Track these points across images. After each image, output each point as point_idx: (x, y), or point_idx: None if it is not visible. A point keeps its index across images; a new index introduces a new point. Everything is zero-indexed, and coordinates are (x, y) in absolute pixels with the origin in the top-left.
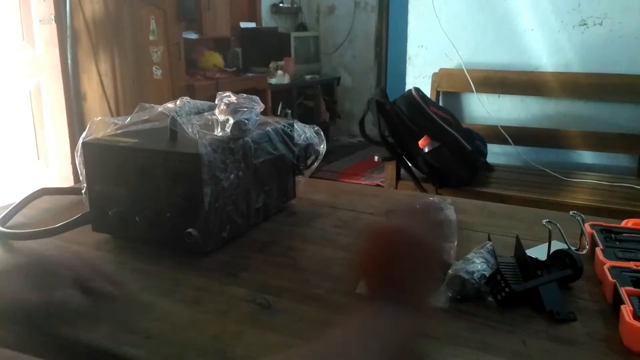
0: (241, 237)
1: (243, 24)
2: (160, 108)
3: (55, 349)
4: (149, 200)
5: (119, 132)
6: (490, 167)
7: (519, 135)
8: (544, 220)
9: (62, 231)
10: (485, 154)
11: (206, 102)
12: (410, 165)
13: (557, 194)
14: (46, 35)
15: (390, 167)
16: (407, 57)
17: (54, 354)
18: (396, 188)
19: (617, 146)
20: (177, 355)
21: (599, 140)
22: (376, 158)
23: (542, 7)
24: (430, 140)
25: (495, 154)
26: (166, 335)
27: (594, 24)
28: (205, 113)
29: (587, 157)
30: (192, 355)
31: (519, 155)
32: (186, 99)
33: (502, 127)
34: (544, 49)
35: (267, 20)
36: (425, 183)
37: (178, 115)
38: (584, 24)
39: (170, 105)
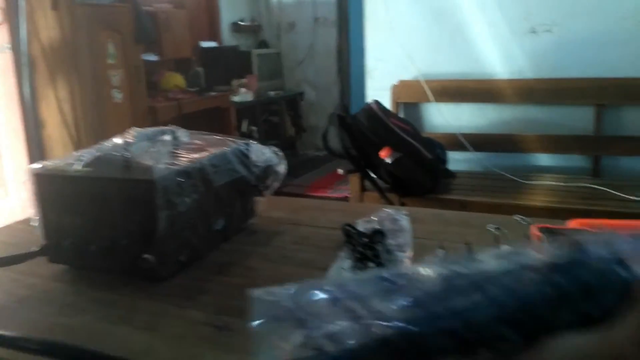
0: (200, 260)
1: (204, 44)
2: (108, 144)
3: None
4: (104, 229)
5: (71, 161)
6: (451, 174)
7: (478, 141)
8: (490, 226)
9: (19, 261)
10: (445, 162)
11: (156, 127)
12: (374, 176)
13: (516, 197)
14: (1, 64)
15: (355, 180)
16: (366, 71)
17: None
18: (361, 200)
19: (572, 148)
20: None
21: (554, 143)
22: (340, 171)
23: (494, 17)
24: (392, 151)
25: (457, 160)
26: None
27: (544, 31)
28: (159, 138)
29: (544, 159)
30: None
31: (479, 161)
32: (134, 129)
33: (461, 134)
34: (497, 58)
35: (228, 38)
36: (390, 193)
37: (129, 145)
38: (534, 32)
39: (118, 139)
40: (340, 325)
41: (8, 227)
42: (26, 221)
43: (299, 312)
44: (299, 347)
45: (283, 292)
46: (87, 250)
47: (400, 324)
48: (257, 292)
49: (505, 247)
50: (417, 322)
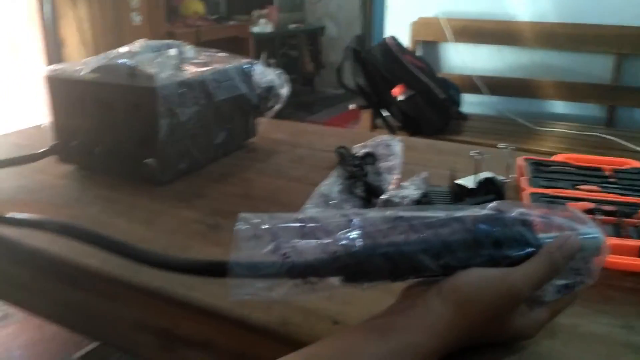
0: (199, 170)
1: None
2: (115, 53)
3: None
4: (109, 132)
5: (79, 66)
6: (464, 117)
7: (494, 84)
8: (472, 152)
9: (29, 161)
10: (459, 103)
11: (163, 40)
12: (386, 113)
13: (527, 142)
14: None
15: (366, 116)
16: (386, 6)
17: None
18: None
19: (588, 96)
20: (125, 264)
21: (571, 90)
22: (352, 106)
23: None
24: (405, 88)
25: (471, 103)
26: None
27: None
28: (164, 50)
29: (559, 106)
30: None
31: (493, 104)
32: (142, 40)
33: (477, 76)
34: None
35: None
36: (400, 131)
37: (135, 54)
38: None
39: (124, 49)
40: (305, 243)
41: (20, 131)
42: (38, 126)
43: (275, 229)
44: (269, 252)
45: (264, 216)
46: (93, 152)
47: (350, 246)
48: (244, 214)
49: (485, 173)
50: (363, 247)
